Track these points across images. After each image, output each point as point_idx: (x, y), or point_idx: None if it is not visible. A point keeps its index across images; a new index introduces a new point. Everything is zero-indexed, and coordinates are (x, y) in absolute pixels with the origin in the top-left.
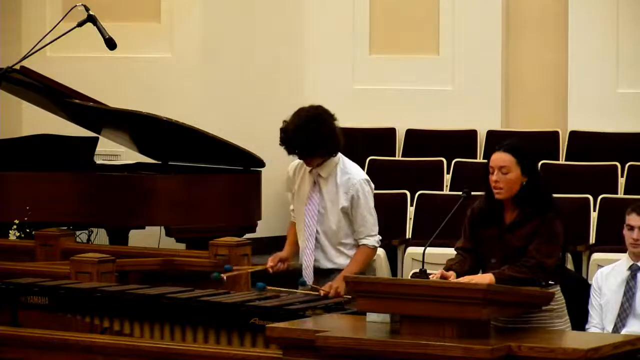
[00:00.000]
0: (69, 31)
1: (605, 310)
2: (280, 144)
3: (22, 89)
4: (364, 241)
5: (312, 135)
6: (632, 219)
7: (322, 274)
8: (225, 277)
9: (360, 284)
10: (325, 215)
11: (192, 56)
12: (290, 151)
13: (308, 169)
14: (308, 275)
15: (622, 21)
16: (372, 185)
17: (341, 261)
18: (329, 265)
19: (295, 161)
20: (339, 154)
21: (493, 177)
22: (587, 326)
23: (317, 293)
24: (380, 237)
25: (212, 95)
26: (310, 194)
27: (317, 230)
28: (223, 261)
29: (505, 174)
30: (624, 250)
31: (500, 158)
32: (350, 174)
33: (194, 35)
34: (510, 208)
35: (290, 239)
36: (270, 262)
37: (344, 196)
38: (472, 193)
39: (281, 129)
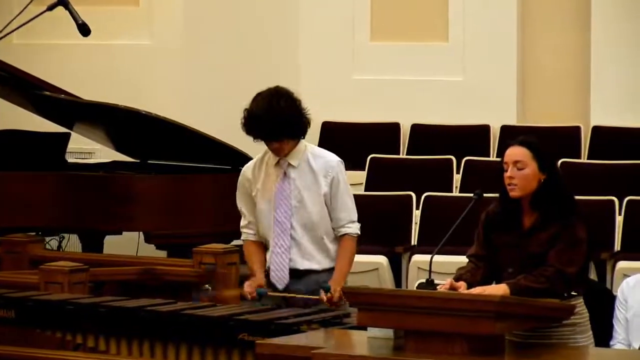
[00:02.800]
0: (38, 15)
1: (632, 324)
2: (247, 132)
3: None
4: (345, 229)
5: (285, 112)
6: None
7: (297, 276)
8: (210, 288)
9: (360, 295)
10: (303, 208)
11: (174, 43)
12: (264, 134)
13: (272, 163)
14: (281, 278)
15: None
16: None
17: (320, 259)
18: (306, 266)
19: (250, 162)
20: (303, 140)
21: (507, 173)
22: (611, 342)
23: (317, 297)
24: (360, 225)
25: (196, 86)
26: (280, 189)
27: (291, 226)
28: (207, 271)
29: (520, 169)
30: None
31: (515, 152)
32: (324, 157)
33: (175, 20)
34: (528, 211)
35: (256, 263)
36: (248, 288)
37: (324, 181)
38: (485, 195)
39: (248, 116)
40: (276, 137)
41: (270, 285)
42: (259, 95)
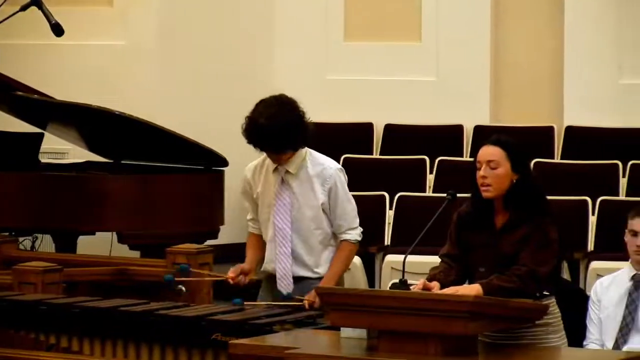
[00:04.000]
0: (11, 15)
1: (605, 324)
2: (248, 141)
3: None
4: (345, 236)
5: (289, 123)
6: (635, 223)
7: (294, 282)
8: (183, 288)
9: (333, 295)
10: (300, 216)
11: (148, 43)
12: (263, 146)
13: (271, 168)
14: (287, 285)
15: (624, 3)
16: (346, 176)
17: (313, 267)
18: (302, 273)
19: (252, 163)
20: (305, 146)
21: (480, 173)
22: (585, 342)
23: (300, 304)
24: (362, 229)
25: (170, 87)
26: (278, 195)
27: (291, 234)
28: (181, 272)
29: (493, 169)
30: (625, 259)
31: (489, 151)
32: (323, 164)
33: (150, 20)
34: (500, 211)
35: (251, 251)
36: (232, 273)
37: (320, 189)
38: (458, 195)
39: (250, 123)
40: (280, 150)
41: (276, 291)
42: (262, 103)
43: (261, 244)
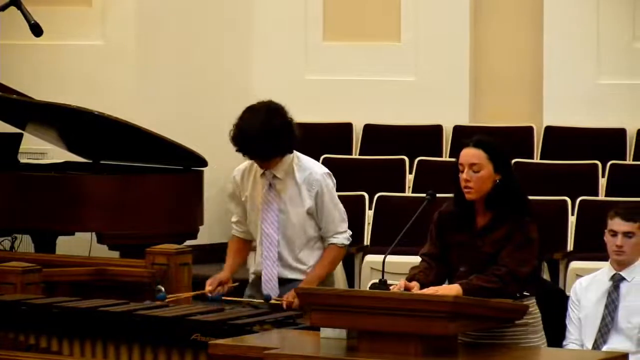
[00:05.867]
0: None
1: (585, 324)
2: (236, 148)
3: None
4: (332, 240)
5: (276, 131)
6: (615, 223)
7: (281, 284)
8: (162, 288)
9: (312, 295)
10: (286, 220)
11: (127, 43)
12: (250, 153)
13: (259, 172)
14: (272, 288)
15: (603, 3)
16: (334, 180)
17: (297, 270)
18: (289, 275)
19: (241, 166)
20: (292, 152)
21: (463, 176)
22: (564, 342)
23: (279, 302)
24: (351, 233)
25: (149, 87)
26: (265, 200)
27: (278, 239)
28: (160, 273)
29: (476, 172)
30: (605, 259)
31: (471, 154)
32: (310, 169)
33: (128, 20)
34: (481, 211)
35: (231, 257)
36: (209, 286)
37: (307, 194)
38: (438, 195)
39: (237, 131)
40: (267, 157)
41: (261, 294)
42: (250, 110)
43: (243, 248)
